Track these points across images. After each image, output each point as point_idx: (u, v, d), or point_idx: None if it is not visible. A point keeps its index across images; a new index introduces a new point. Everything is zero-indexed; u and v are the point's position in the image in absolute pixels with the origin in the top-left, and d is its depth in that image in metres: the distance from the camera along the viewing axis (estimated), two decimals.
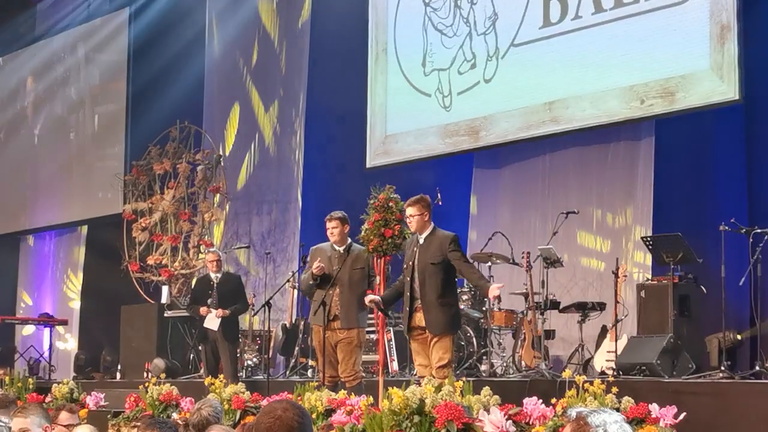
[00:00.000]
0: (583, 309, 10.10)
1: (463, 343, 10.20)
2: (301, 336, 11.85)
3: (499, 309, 10.45)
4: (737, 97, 9.55)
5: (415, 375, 8.14)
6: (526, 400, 6.70)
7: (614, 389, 6.51)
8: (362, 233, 8.50)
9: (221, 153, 14.65)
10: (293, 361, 11.82)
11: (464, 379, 7.21)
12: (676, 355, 8.54)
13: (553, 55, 11.07)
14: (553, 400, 6.73)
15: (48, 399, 10.27)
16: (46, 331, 16.40)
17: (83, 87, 17.43)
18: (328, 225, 8.89)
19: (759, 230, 8.43)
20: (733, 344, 9.00)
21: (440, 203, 9.01)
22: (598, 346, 9.78)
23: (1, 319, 16.46)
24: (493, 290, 7.93)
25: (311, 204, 13.88)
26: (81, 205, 17.12)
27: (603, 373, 9.00)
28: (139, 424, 5.92)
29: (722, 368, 8.25)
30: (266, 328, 11.40)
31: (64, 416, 6.35)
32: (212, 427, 5.21)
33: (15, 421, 5.09)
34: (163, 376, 9.91)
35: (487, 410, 6.58)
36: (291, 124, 14.40)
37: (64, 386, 10.42)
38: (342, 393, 7.84)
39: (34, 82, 18.59)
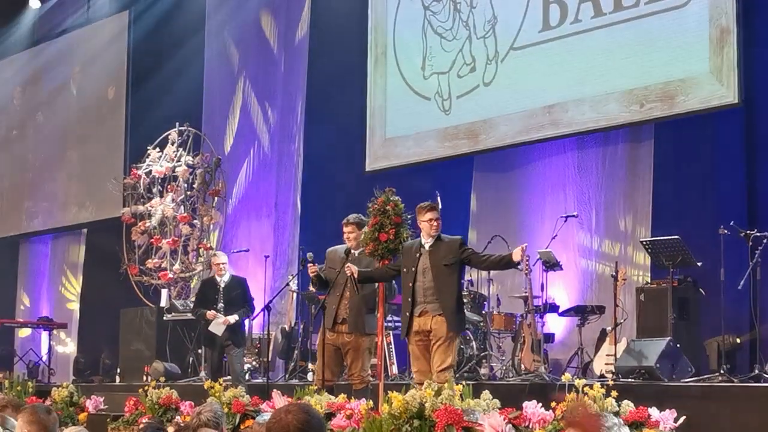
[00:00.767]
0: (583, 312, 10.11)
1: (462, 347, 10.19)
2: (300, 339, 11.84)
3: (499, 312, 10.47)
4: (737, 101, 9.56)
5: (414, 381, 8.08)
6: (525, 404, 6.70)
7: (614, 393, 6.50)
8: (362, 237, 8.51)
9: (220, 156, 14.64)
10: (293, 364, 11.81)
11: (464, 382, 7.20)
12: (676, 359, 8.53)
13: (553, 59, 11.07)
14: (553, 404, 6.73)
15: (48, 402, 10.26)
16: (45, 334, 16.40)
17: (83, 90, 17.43)
18: (345, 229, 8.82)
19: (758, 233, 8.43)
20: (732, 347, 8.99)
21: (440, 207, 9.00)
22: (597, 349, 9.78)
23: (1, 322, 16.44)
24: (517, 254, 7.81)
25: (310, 207, 13.89)
26: (80, 209, 17.13)
27: (602, 376, 9.00)
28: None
29: (721, 371, 8.25)
30: (266, 332, 11.37)
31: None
32: (202, 430, 5.20)
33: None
34: (162, 379, 9.91)
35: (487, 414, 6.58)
36: (290, 127, 14.40)
37: (64, 390, 10.41)
38: (342, 397, 7.83)
39: (33, 85, 18.60)
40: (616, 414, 6.31)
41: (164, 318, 13.42)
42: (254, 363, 12.17)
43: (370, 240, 8.34)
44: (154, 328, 13.61)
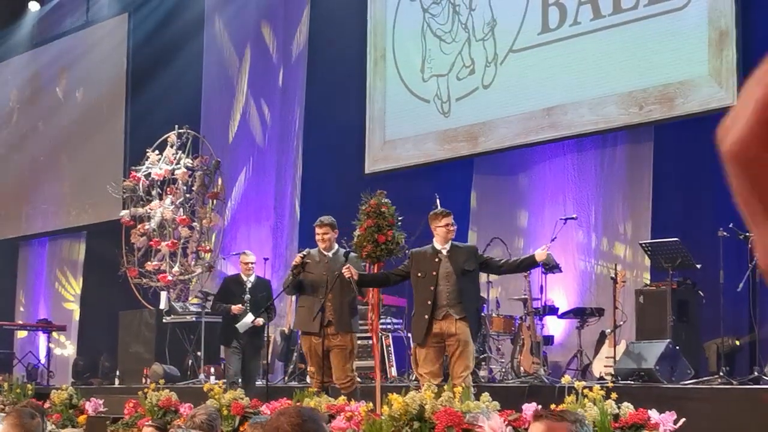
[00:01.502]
0: (582, 314, 10.11)
1: None
2: (299, 342, 11.83)
3: (498, 315, 10.47)
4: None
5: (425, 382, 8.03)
6: (525, 406, 6.70)
7: (613, 395, 6.50)
8: (355, 239, 8.44)
9: (219, 159, 14.64)
10: (292, 367, 11.81)
11: (463, 384, 7.20)
12: (675, 361, 8.54)
13: (552, 61, 11.08)
14: (552, 406, 6.73)
15: (47, 405, 10.26)
16: (44, 336, 16.39)
17: (82, 92, 17.44)
18: (319, 230, 8.81)
19: None
20: (731, 350, 8.99)
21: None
22: (596, 351, 9.78)
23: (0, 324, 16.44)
24: (541, 255, 7.90)
25: (309, 210, 13.87)
26: (80, 211, 17.13)
27: (602, 378, 9.00)
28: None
29: (721, 374, 8.25)
30: (266, 334, 11.35)
31: None
32: None
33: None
34: (161, 381, 9.89)
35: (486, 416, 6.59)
36: (289, 129, 14.40)
37: (63, 392, 10.41)
38: (342, 399, 7.83)
39: (32, 88, 18.61)
40: (616, 417, 6.33)
41: (163, 320, 13.40)
42: None
43: (367, 242, 8.30)
44: (153, 331, 13.59)
